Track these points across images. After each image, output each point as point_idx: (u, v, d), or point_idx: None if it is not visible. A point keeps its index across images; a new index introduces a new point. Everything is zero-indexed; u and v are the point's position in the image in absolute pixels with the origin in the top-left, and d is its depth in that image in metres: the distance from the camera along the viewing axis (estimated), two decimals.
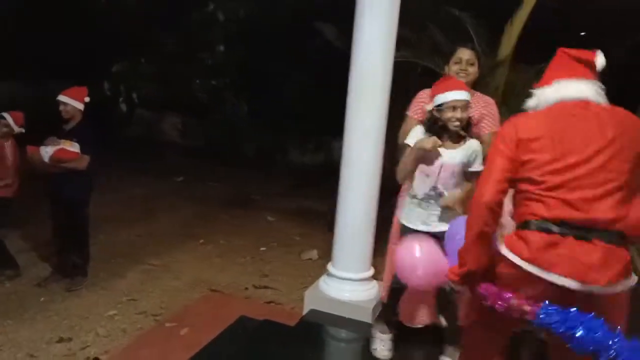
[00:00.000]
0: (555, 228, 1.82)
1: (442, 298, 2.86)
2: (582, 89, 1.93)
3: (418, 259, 2.55)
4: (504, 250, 1.91)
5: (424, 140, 2.67)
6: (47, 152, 3.79)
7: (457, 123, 2.66)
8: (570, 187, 1.82)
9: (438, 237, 2.68)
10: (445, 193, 2.72)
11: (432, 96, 2.73)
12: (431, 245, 2.59)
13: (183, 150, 9.89)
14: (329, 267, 3.65)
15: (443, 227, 2.70)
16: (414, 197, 2.80)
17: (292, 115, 9.52)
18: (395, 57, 3.42)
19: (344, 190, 3.53)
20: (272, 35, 9.17)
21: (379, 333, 3.05)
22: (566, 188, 1.83)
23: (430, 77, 3.17)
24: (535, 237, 1.84)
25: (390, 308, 3.02)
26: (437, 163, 2.71)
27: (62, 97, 3.90)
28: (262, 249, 5.27)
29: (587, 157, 1.83)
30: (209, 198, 6.95)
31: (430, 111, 2.74)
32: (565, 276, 1.78)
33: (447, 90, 2.65)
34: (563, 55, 2.01)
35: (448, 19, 4.82)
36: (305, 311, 3.61)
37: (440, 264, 2.48)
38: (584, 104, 1.91)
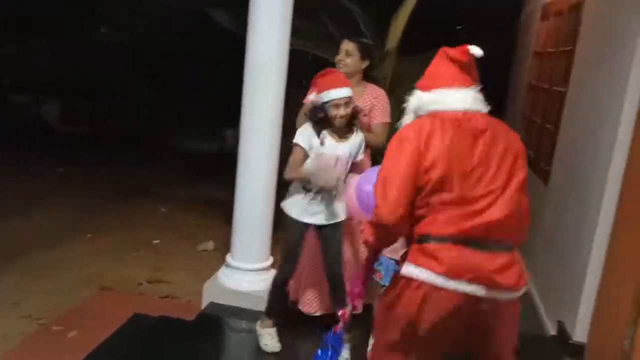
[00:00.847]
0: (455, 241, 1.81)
1: (334, 287, 2.95)
2: (463, 99, 1.94)
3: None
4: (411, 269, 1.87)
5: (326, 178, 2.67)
6: None
7: (342, 119, 2.74)
8: (463, 202, 1.82)
9: (319, 231, 2.86)
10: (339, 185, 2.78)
11: (317, 91, 2.77)
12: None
13: (65, 138, 9.22)
14: (228, 258, 3.62)
15: (326, 222, 2.86)
16: (308, 190, 2.84)
17: (187, 100, 9.23)
18: (291, 44, 3.44)
19: (241, 181, 3.51)
20: (164, 18, 8.79)
21: (266, 329, 3.05)
22: (459, 204, 1.82)
23: (323, 66, 3.21)
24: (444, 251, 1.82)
25: (274, 302, 3.05)
26: (333, 158, 2.77)
27: None
28: (155, 241, 5.08)
29: (472, 171, 1.84)
30: (96, 189, 6.53)
31: (315, 105, 2.79)
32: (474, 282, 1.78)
33: (329, 88, 2.70)
34: (443, 57, 2.01)
35: (340, 10, 4.90)
36: (204, 304, 3.57)
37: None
38: (465, 117, 1.92)
